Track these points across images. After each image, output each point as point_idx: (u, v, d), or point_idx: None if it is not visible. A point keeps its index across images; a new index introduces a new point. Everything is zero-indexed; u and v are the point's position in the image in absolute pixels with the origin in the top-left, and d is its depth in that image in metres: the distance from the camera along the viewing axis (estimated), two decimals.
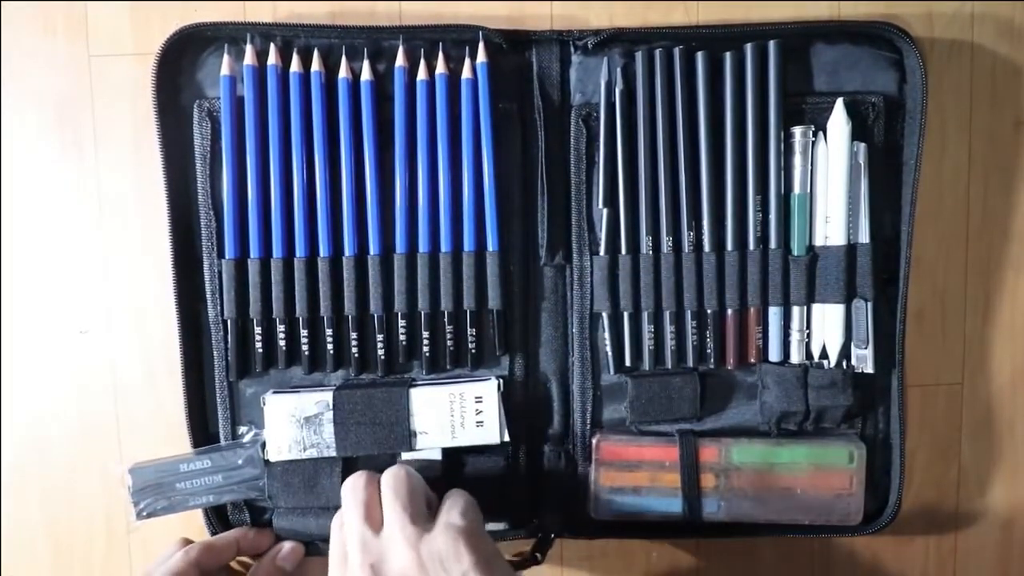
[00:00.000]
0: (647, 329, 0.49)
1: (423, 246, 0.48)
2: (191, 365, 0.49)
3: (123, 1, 0.49)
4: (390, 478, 0.42)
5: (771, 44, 0.47)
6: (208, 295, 0.49)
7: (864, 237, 0.49)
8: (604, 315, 0.49)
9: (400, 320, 0.49)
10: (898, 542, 0.54)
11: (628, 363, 0.50)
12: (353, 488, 0.42)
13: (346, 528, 0.42)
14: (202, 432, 0.50)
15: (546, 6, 0.50)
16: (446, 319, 0.49)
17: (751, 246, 0.49)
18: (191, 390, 0.49)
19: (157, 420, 0.51)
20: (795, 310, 0.49)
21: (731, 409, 0.51)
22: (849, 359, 0.49)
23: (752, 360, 0.50)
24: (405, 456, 0.49)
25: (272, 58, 0.47)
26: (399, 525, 0.40)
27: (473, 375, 0.50)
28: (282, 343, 0.49)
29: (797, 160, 0.48)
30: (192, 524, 0.50)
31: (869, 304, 0.48)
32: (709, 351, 0.49)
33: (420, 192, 0.48)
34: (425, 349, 0.49)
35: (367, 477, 0.43)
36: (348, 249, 0.48)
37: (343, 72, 0.47)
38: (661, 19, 0.50)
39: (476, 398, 0.48)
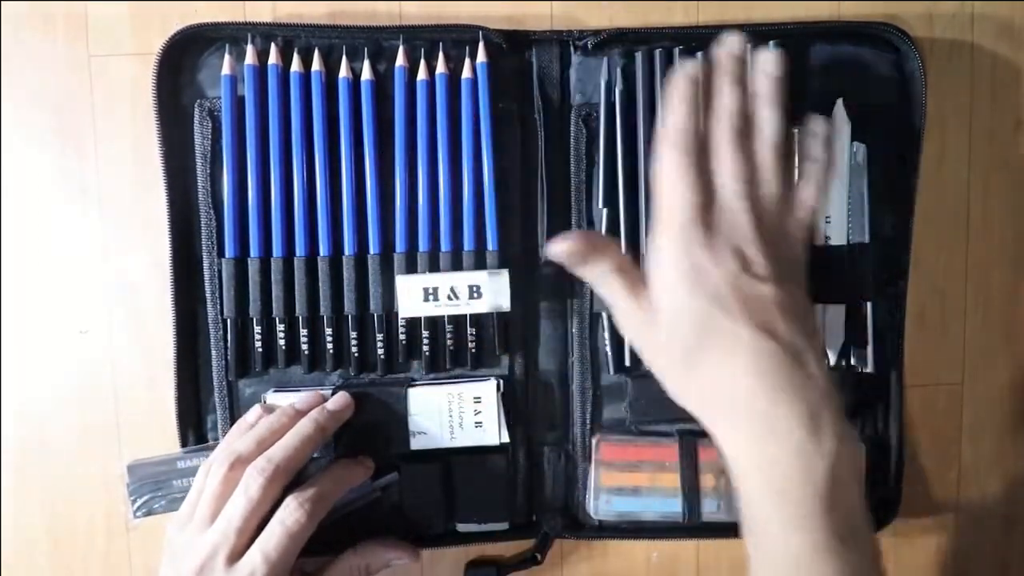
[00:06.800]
0: None
1: (423, 245, 0.48)
2: (185, 364, 0.49)
3: (123, 1, 0.49)
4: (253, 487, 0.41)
5: (771, 44, 0.47)
6: (208, 294, 0.49)
7: (864, 237, 0.48)
8: (604, 315, 0.49)
9: (400, 319, 0.49)
10: (898, 542, 0.54)
11: (628, 363, 0.50)
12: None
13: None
14: (195, 431, 0.50)
15: (546, 6, 0.50)
16: (446, 319, 0.49)
17: None
18: (183, 389, 0.49)
19: (157, 420, 0.51)
20: None
21: None
22: (849, 359, 0.49)
23: None
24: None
25: (273, 58, 0.47)
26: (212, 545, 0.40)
27: (473, 375, 0.50)
28: (282, 342, 0.49)
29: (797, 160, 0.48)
30: None
31: (869, 304, 0.48)
32: None
33: (420, 191, 0.48)
34: (425, 349, 0.49)
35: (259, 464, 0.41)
36: (348, 248, 0.48)
37: (343, 72, 0.47)
38: (661, 19, 0.50)
39: (475, 398, 0.48)
